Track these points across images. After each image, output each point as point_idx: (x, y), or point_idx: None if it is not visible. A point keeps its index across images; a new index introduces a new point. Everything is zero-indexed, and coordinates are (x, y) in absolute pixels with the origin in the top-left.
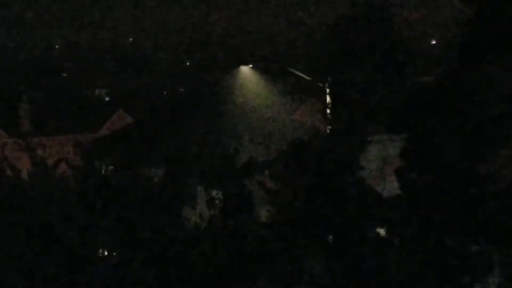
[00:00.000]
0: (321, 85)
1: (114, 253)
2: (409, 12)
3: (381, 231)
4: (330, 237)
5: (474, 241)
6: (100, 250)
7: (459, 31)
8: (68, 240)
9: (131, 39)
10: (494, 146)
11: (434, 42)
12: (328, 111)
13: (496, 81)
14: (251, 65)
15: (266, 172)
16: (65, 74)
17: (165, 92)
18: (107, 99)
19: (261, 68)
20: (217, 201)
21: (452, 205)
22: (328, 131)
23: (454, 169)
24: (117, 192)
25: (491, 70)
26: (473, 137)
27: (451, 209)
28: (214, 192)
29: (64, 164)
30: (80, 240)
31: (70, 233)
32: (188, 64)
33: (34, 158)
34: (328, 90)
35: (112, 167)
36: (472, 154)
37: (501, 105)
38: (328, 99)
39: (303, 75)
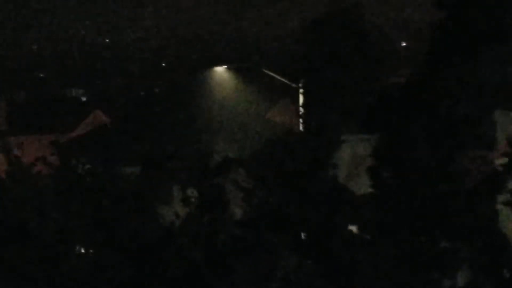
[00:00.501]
0: (294, 85)
1: (91, 251)
2: (380, 16)
3: (353, 228)
4: (303, 234)
5: (444, 237)
6: (77, 248)
7: (429, 34)
8: (44, 238)
9: (107, 40)
10: (463, 146)
11: (404, 44)
12: (301, 110)
13: (464, 83)
14: (225, 66)
15: (241, 170)
16: (42, 74)
17: (141, 93)
18: (84, 99)
19: (235, 69)
20: (192, 199)
21: (422, 203)
22: (301, 130)
23: (425, 168)
24: (94, 191)
25: (459, 72)
26: (443, 137)
27: (421, 207)
28: (189, 191)
29: (41, 163)
30: (56, 238)
31: (46, 231)
32: (163, 65)
33: (9, 157)
34: (301, 90)
35: (88, 166)
36: (442, 153)
37: (470, 106)
38: (301, 99)
39: (277, 76)
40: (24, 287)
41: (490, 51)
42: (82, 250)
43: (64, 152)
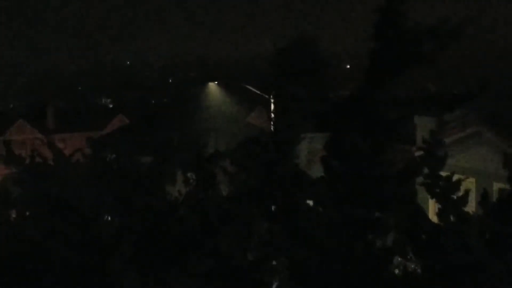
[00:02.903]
0: (267, 96)
1: (115, 219)
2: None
3: (310, 203)
4: (273, 206)
5: (377, 209)
6: (105, 217)
7: (368, 58)
8: (81, 209)
9: (128, 62)
10: (390, 141)
11: (348, 66)
12: (272, 115)
13: (393, 95)
14: (216, 82)
15: (227, 160)
16: (80, 88)
17: (153, 101)
18: (111, 106)
19: (223, 84)
20: (191, 181)
21: (360, 184)
22: (272, 130)
23: (363, 157)
24: (118, 175)
25: (389, 87)
26: (377, 135)
27: (360, 187)
28: (189, 174)
29: (79, 153)
30: (90, 209)
31: (82, 205)
32: (170, 80)
33: (53, 150)
34: (272, 100)
35: (114, 156)
36: (376, 147)
37: (397, 112)
38: (272, 107)
39: (254, 89)
40: (65, 246)
41: (411, 71)
42: (109, 218)
43: (96, 145)
